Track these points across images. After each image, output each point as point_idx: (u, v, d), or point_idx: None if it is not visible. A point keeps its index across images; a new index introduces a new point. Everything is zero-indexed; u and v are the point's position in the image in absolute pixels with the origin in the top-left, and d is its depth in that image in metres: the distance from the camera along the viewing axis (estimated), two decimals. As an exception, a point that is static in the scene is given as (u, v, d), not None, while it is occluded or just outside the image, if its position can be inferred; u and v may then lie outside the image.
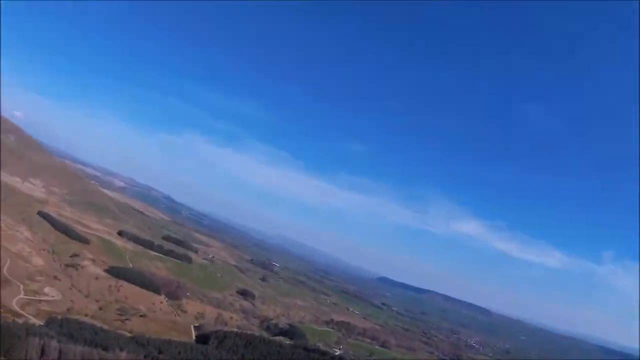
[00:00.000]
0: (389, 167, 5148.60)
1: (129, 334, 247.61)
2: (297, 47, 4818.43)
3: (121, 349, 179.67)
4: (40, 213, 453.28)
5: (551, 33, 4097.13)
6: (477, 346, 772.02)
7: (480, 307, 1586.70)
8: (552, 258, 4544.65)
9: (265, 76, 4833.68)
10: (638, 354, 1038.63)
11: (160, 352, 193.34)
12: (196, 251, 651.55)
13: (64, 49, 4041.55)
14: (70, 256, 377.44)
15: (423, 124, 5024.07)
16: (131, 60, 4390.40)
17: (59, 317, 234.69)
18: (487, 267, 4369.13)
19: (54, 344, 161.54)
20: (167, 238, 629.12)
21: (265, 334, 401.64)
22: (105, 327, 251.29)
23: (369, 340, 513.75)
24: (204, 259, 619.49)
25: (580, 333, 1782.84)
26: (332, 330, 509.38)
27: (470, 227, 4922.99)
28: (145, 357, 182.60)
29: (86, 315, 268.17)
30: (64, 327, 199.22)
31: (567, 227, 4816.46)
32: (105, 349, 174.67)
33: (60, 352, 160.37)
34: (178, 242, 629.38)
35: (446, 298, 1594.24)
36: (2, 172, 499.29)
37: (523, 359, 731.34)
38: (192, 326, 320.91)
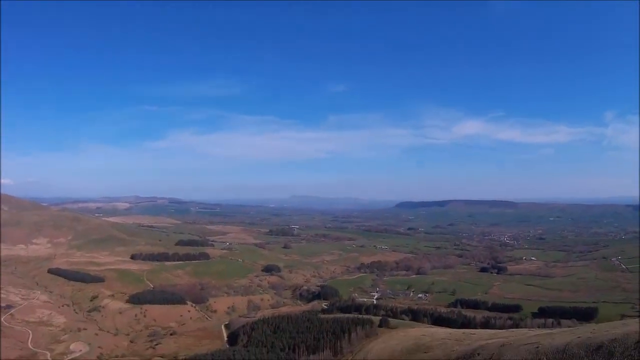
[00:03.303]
0: (374, 95, 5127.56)
1: (162, 359, 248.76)
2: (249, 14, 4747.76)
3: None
4: (50, 270, 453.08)
5: None
6: (511, 241, 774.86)
7: (505, 202, 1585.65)
8: (558, 133, 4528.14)
9: (228, 51, 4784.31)
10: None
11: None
12: (212, 245, 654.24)
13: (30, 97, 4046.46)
14: (91, 300, 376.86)
15: (397, 39, 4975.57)
16: (93, 81, 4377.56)
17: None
18: (498, 160, 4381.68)
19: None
20: (180, 243, 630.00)
21: (300, 303, 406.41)
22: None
23: (404, 272, 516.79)
24: (222, 249, 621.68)
25: (607, 198, 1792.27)
26: (365, 274, 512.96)
27: (470, 127, 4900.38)
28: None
29: (117, 357, 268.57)
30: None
31: (563, 99, 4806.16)
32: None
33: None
34: (192, 243, 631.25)
35: (469, 203, 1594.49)
36: (3, 245, 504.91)
37: (558, 243, 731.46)
38: (222, 326, 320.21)
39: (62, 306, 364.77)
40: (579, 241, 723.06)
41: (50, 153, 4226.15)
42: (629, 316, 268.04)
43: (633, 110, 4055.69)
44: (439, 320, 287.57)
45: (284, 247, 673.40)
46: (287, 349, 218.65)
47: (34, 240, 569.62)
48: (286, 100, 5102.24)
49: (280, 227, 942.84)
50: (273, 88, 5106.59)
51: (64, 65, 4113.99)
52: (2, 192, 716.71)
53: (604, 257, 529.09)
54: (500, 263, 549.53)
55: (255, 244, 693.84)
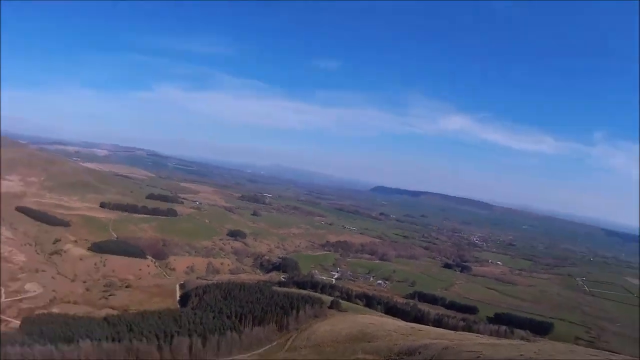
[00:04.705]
0: (363, 76, 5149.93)
1: (112, 312, 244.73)
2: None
3: (88, 337, 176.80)
4: (18, 208, 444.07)
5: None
6: (480, 243, 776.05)
7: (480, 202, 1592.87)
8: (544, 144, 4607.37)
9: (226, 9, 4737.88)
10: (637, 232, 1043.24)
11: (130, 330, 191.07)
12: (182, 202, 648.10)
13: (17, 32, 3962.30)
14: (53, 243, 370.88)
15: (393, 24, 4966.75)
16: (86, 24, 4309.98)
17: (38, 313, 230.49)
18: (480, 161, 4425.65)
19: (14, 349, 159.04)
20: (151, 197, 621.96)
21: (259, 272, 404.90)
22: (88, 310, 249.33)
23: (367, 256, 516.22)
24: (190, 208, 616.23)
25: (582, 216, 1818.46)
26: (329, 252, 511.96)
27: (456, 122, 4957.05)
28: (112, 339, 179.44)
29: (69, 302, 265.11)
30: (37, 325, 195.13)
31: (554, 110, 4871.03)
32: (70, 341, 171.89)
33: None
34: (163, 198, 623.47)
35: (444, 197, 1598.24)
36: None
37: (527, 251, 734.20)
38: (177, 285, 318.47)
39: (25, 245, 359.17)
40: (547, 254, 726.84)
41: (33, 90, 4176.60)
42: (582, 339, 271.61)
43: (623, 135, 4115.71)
44: (392, 310, 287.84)
45: (253, 214, 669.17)
46: (234, 317, 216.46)
47: (7, 177, 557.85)
48: (277, 67, 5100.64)
49: (252, 193, 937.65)
50: (265, 53, 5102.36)
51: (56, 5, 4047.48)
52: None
53: (570, 275, 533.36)
54: (465, 262, 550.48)
55: (225, 207, 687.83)
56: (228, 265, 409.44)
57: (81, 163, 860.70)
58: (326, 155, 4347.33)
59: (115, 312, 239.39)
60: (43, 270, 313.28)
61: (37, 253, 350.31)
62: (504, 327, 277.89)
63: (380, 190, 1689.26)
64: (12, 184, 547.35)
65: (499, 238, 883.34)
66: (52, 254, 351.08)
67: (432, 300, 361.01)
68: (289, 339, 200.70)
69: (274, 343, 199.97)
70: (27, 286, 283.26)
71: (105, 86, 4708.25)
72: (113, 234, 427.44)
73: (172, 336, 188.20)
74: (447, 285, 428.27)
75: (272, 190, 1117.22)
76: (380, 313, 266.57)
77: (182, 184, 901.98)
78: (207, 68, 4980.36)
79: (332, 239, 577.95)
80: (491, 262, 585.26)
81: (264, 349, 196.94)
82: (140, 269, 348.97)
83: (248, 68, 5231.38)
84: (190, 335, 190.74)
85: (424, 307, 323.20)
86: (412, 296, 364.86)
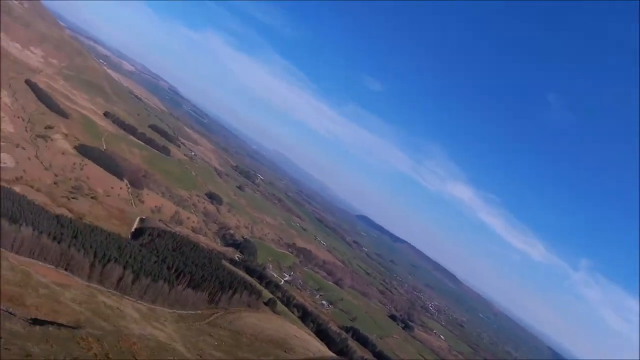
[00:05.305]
0: (399, 111, 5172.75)
1: (68, 214, 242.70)
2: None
3: (33, 226, 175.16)
4: (28, 82, 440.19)
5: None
6: (434, 311, 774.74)
7: (450, 273, 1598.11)
8: (534, 249, 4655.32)
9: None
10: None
11: (74, 237, 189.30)
12: (179, 146, 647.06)
13: None
14: (45, 128, 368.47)
15: (445, 82, 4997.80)
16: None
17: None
18: (469, 236, 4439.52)
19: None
20: (153, 127, 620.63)
21: (218, 242, 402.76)
22: (46, 202, 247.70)
23: (324, 274, 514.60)
24: (184, 154, 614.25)
25: (537, 329, 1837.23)
26: (290, 254, 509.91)
27: (462, 191, 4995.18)
28: (53, 237, 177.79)
29: (32, 187, 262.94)
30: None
31: (556, 223, 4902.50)
32: (15, 221, 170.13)
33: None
34: (163, 133, 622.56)
35: (420, 254, 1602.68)
36: (2, 36, 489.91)
37: (472, 338, 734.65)
38: (138, 218, 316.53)
39: (18, 118, 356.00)
40: (490, 349, 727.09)
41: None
42: None
43: (606, 271, 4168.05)
44: (322, 333, 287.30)
45: (238, 187, 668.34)
46: (173, 270, 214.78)
47: (32, 48, 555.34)
48: (325, 66, 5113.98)
49: (247, 168, 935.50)
50: (321, 48, 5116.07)
51: None
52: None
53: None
54: (411, 321, 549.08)
55: (216, 169, 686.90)
56: (193, 222, 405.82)
57: (105, 68, 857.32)
58: (329, 165, 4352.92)
59: (70, 216, 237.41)
60: (23, 148, 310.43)
61: (26, 130, 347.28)
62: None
63: (365, 220, 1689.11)
64: (33, 56, 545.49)
65: (453, 314, 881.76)
66: (39, 136, 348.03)
67: (364, 342, 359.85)
68: (213, 314, 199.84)
69: (199, 311, 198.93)
70: (2, 156, 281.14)
71: (159, 8, 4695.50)
72: (103, 144, 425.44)
73: (108, 260, 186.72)
74: (384, 335, 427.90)
75: (265, 173, 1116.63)
76: (309, 331, 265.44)
77: (187, 130, 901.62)
78: (259, 36, 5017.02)
79: (300, 243, 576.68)
80: (435, 332, 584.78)
81: (186, 312, 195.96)
82: (112, 187, 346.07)
83: (298, 54, 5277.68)
84: (125, 268, 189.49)
85: (353, 345, 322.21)
86: (347, 329, 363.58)
